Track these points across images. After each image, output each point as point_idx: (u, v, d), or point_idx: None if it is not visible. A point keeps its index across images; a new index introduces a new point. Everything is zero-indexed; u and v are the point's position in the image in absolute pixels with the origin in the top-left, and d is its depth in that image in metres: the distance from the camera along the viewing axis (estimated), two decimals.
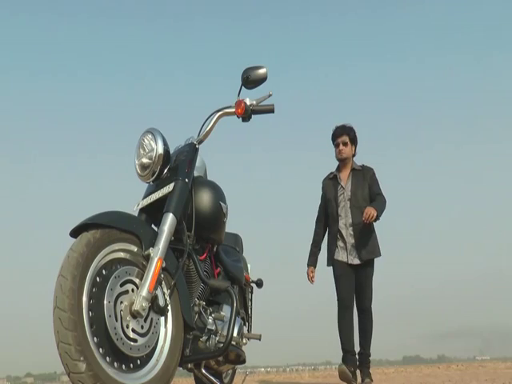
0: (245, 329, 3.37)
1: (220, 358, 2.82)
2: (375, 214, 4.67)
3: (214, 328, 2.68)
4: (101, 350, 2.06)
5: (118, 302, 2.16)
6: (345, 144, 5.08)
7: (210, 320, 2.70)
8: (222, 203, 2.84)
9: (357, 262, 4.89)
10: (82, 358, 1.94)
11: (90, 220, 2.21)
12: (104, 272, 2.17)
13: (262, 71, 2.90)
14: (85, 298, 2.03)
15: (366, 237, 4.92)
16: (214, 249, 2.99)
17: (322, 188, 5.26)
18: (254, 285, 3.82)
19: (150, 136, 2.65)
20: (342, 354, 4.80)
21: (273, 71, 3.09)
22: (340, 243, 4.98)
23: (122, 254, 2.30)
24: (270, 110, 2.97)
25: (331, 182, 5.20)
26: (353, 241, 4.92)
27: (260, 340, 3.33)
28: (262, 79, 2.93)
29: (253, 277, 3.82)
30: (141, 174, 2.68)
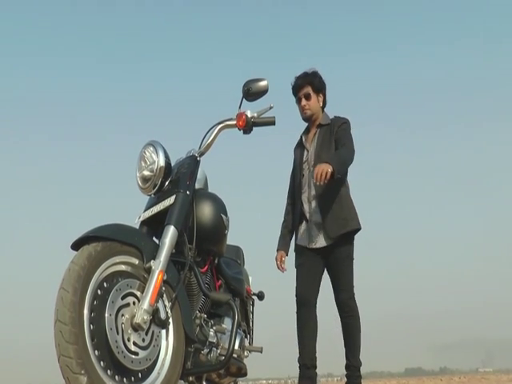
0: (246, 341, 3.36)
1: (221, 371, 2.80)
2: (329, 171, 3.37)
3: (215, 341, 2.67)
4: (102, 363, 2.05)
5: (120, 314, 2.15)
6: (307, 97, 3.94)
7: (212, 333, 2.69)
8: (223, 215, 2.84)
9: (321, 244, 3.78)
10: (83, 372, 1.93)
11: (92, 233, 2.21)
12: (105, 285, 2.17)
13: (262, 83, 2.92)
14: (86, 311, 2.03)
15: (334, 209, 3.76)
16: (216, 261, 2.99)
17: (294, 157, 4.16)
18: (255, 297, 3.81)
19: (152, 148, 2.66)
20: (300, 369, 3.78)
21: (274, 83, 3.10)
22: (304, 222, 3.91)
23: (123, 267, 2.29)
24: (271, 123, 2.98)
25: (299, 147, 4.10)
26: (317, 218, 3.81)
27: (261, 352, 3.31)
28: (263, 92, 2.94)
29: (254, 289, 3.81)
30: (142, 187, 2.68)
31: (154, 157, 2.63)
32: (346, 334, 3.75)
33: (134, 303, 2.22)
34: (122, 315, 2.16)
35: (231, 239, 3.09)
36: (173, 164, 2.74)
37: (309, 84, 3.94)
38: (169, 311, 2.37)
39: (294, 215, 4.06)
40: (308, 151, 3.97)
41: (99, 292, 2.13)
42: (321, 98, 4.00)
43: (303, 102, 3.94)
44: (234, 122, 2.88)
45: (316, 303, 3.85)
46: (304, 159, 3.98)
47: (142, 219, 2.64)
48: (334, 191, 3.78)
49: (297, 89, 4.00)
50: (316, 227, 3.83)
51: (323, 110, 4.05)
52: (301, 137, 4.12)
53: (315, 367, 3.77)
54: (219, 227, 2.82)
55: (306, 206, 3.90)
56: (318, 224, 3.81)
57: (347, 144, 3.78)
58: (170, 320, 2.38)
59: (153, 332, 2.28)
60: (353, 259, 3.81)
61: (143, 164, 2.67)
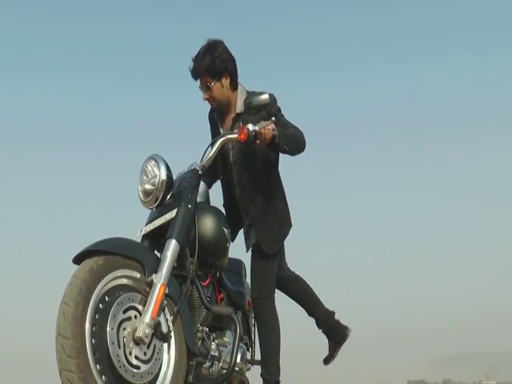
0: (248, 354, 3.35)
1: None
2: (275, 134, 2.87)
3: (217, 354, 2.67)
4: (104, 377, 2.05)
5: (121, 328, 2.16)
6: (208, 88, 3.09)
7: (213, 346, 2.69)
8: (224, 229, 2.84)
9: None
10: None
11: (93, 247, 2.22)
12: (107, 299, 2.17)
13: (263, 97, 2.92)
14: (87, 325, 2.04)
15: (269, 217, 3.13)
16: (217, 274, 2.99)
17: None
18: None
19: (153, 162, 2.67)
20: None
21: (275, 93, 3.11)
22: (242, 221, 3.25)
23: (124, 281, 2.30)
24: (273, 136, 2.97)
25: (217, 132, 3.25)
26: (248, 222, 3.18)
27: None
28: (264, 105, 2.94)
29: None
30: (144, 200, 2.69)
31: (156, 170, 2.63)
32: (259, 342, 3.18)
33: (135, 317, 2.22)
34: (124, 329, 2.16)
35: (233, 252, 3.09)
36: (174, 178, 2.74)
37: (206, 72, 3.07)
38: (170, 325, 2.38)
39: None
40: (230, 143, 3.12)
41: (101, 306, 2.13)
42: (227, 80, 3.11)
43: (204, 95, 3.14)
44: (236, 136, 2.87)
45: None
46: (226, 150, 3.15)
47: (143, 233, 2.64)
48: (266, 191, 3.17)
49: (194, 76, 3.15)
50: (247, 235, 3.22)
51: (235, 90, 3.18)
52: (217, 122, 3.28)
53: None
54: (221, 240, 2.83)
55: (239, 207, 3.23)
56: (248, 229, 3.19)
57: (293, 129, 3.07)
58: (172, 333, 2.38)
59: (154, 346, 2.28)
60: (276, 257, 3.16)
61: (145, 178, 2.68)
